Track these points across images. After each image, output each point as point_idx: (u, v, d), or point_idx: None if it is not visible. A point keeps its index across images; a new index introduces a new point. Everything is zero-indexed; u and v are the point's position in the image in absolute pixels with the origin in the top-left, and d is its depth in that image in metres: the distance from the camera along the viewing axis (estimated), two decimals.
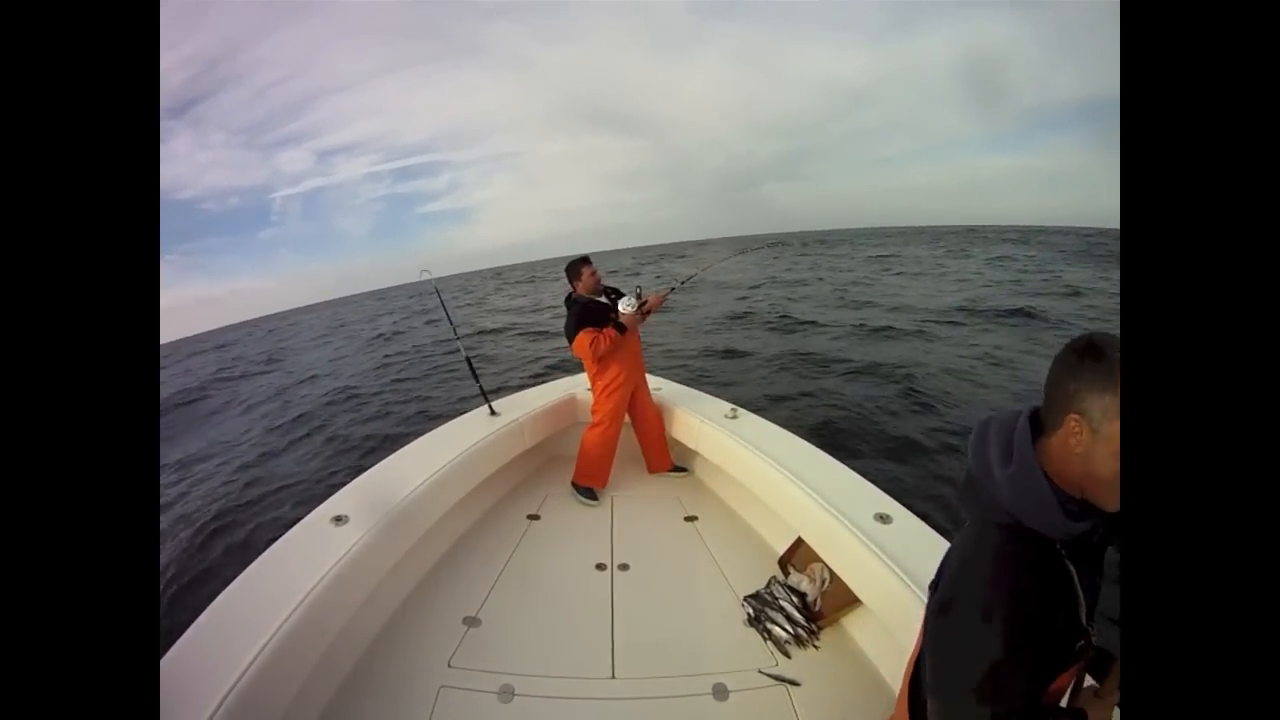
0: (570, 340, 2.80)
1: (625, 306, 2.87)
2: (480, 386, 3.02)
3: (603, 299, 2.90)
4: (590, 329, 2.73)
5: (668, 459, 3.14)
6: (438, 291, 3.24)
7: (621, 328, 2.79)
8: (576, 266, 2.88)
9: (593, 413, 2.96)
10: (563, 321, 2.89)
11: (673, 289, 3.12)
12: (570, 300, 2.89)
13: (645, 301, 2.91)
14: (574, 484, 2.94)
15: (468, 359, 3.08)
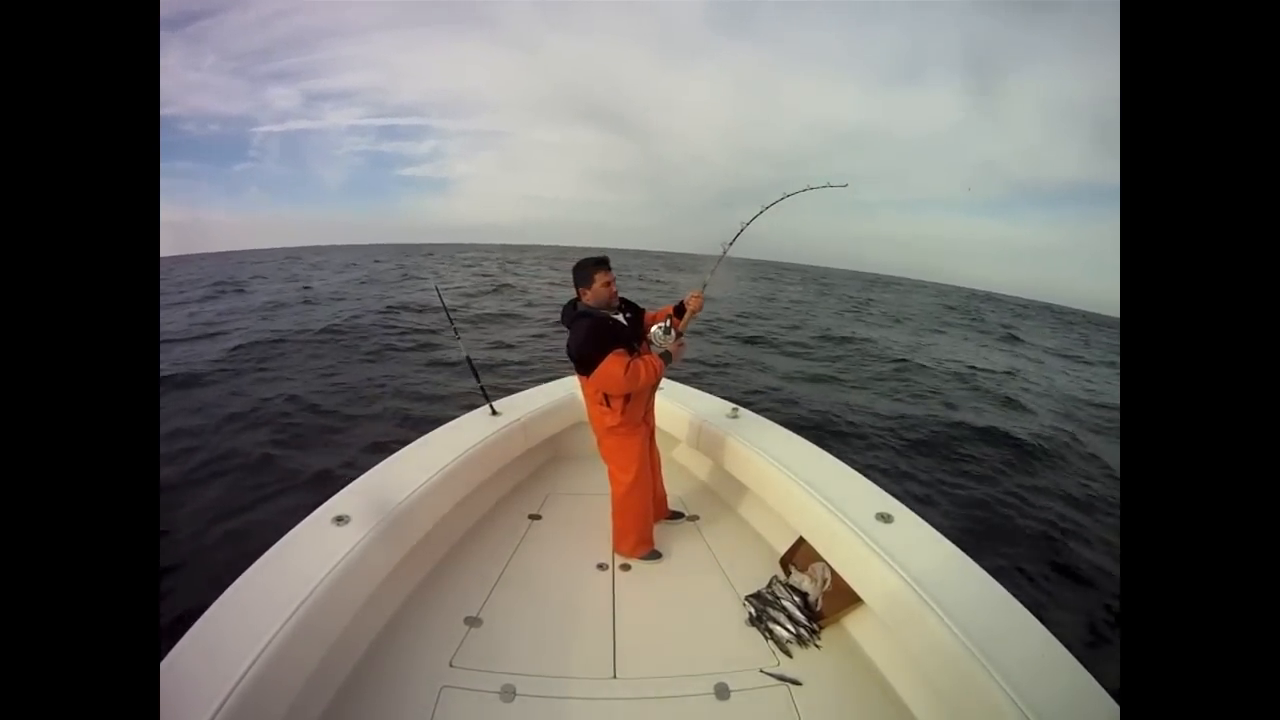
0: (588, 364, 2.09)
1: (661, 339, 2.26)
2: (481, 386, 3.02)
3: (619, 316, 2.23)
4: (623, 351, 2.10)
5: (665, 504, 2.78)
6: (439, 295, 3.38)
7: (668, 356, 2.23)
8: (588, 269, 2.16)
9: (612, 462, 2.38)
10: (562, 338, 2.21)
11: (704, 288, 2.34)
12: (575, 310, 2.21)
13: (681, 316, 2.29)
14: (630, 556, 2.49)
15: (468, 358, 3.08)
